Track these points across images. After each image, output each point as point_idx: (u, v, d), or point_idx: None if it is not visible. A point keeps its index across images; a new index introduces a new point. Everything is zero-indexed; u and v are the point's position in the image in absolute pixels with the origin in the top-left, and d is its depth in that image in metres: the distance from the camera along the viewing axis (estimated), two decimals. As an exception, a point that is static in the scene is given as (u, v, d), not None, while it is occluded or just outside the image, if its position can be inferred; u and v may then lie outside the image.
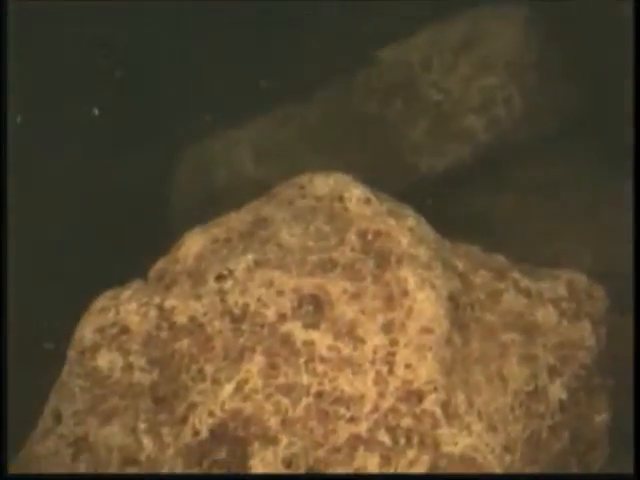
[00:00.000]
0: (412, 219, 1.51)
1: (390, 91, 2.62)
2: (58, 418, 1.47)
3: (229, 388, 1.34)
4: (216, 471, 1.31)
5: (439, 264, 1.46)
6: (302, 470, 1.30)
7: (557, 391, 1.48)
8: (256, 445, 1.31)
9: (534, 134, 2.58)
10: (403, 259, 1.44)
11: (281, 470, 1.30)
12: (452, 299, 1.44)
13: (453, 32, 2.61)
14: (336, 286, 1.40)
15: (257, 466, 1.31)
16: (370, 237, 1.46)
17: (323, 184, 1.54)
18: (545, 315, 1.52)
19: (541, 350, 1.48)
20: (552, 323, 1.51)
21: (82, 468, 1.43)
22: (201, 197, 2.72)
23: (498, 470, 1.35)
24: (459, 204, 2.66)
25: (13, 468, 1.50)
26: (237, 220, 1.52)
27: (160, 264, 1.55)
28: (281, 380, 1.34)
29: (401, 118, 2.59)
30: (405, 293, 1.40)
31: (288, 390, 1.34)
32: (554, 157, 2.66)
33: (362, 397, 1.34)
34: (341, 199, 1.51)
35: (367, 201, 1.51)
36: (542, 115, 2.57)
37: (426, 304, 1.40)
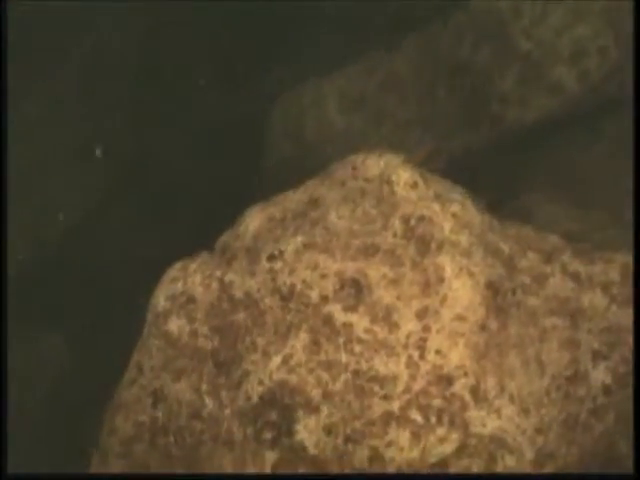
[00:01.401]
0: (457, 204, 1.53)
1: (480, 38, 2.55)
2: (140, 370, 1.68)
3: (277, 360, 1.48)
4: (268, 431, 1.47)
5: (480, 250, 1.49)
6: (341, 438, 1.43)
7: (601, 375, 1.49)
8: (300, 413, 1.45)
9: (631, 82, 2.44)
10: (443, 245, 1.48)
11: (322, 436, 1.43)
12: (491, 286, 1.47)
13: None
14: (376, 271, 1.47)
15: (302, 431, 1.45)
16: (413, 222, 1.50)
17: (374, 165, 1.59)
18: (593, 300, 1.51)
19: (585, 335, 1.49)
20: (600, 308, 1.50)
21: (159, 415, 1.63)
22: (292, 148, 2.82)
23: (529, 450, 1.41)
24: (548, 157, 2.60)
25: (107, 413, 1.70)
26: (293, 200, 1.61)
27: (224, 237, 1.68)
28: (322, 357, 1.45)
29: (490, 66, 2.53)
30: (441, 280, 1.45)
31: (328, 366, 1.45)
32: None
33: (395, 378, 1.42)
34: (389, 182, 1.56)
35: (414, 185, 1.54)
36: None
37: (461, 292, 1.44)
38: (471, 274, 1.46)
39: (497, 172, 2.69)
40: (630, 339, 1.51)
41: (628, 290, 1.52)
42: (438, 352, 1.44)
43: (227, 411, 1.50)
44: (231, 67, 2.79)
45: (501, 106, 2.54)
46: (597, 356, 1.50)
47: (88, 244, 2.67)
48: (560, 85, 2.44)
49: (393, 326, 1.45)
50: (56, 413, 2.51)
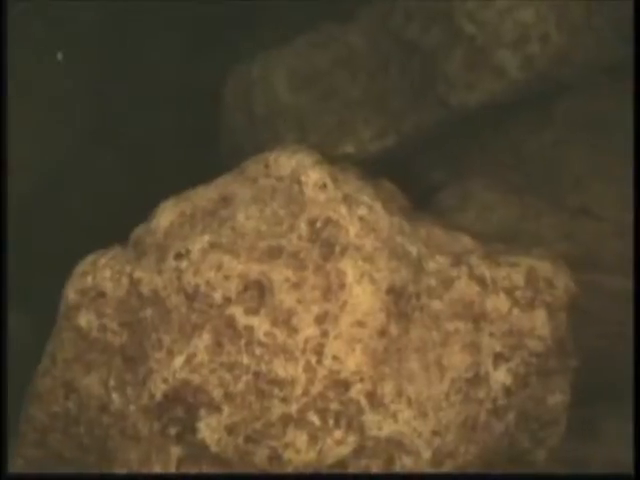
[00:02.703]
0: (365, 207, 1.53)
1: (429, 18, 2.51)
2: (54, 361, 1.68)
3: (180, 360, 1.49)
4: (173, 427, 1.49)
5: (385, 254, 1.49)
6: (241, 438, 1.46)
7: (501, 377, 1.52)
8: (203, 411, 1.47)
9: (580, 70, 2.43)
10: (347, 250, 1.48)
11: (224, 436, 1.46)
12: (393, 291, 1.48)
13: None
14: (279, 274, 1.47)
15: (204, 429, 1.47)
16: (319, 225, 1.50)
17: (287, 164, 1.57)
18: (496, 303, 1.53)
19: (487, 338, 1.52)
20: (503, 312, 1.52)
21: (71, 406, 1.64)
22: (243, 120, 2.79)
23: (426, 451, 1.45)
24: (495, 141, 2.59)
25: (24, 401, 1.71)
26: (203, 197, 1.60)
27: (138, 230, 1.66)
28: (224, 358, 1.47)
29: (437, 48, 2.50)
30: (342, 286, 1.46)
31: (230, 367, 1.47)
32: (605, 92, 2.52)
33: (293, 381, 1.44)
34: (299, 182, 1.54)
35: (323, 186, 1.53)
36: (591, 49, 2.40)
37: (361, 298, 1.45)
38: (373, 280, 1.47)
39: (444, 154, 2.69)
40: (530, 342, 1.54)
41: (531, 294, 1.55)
42: (335, 358, 1.46)
43: (132, 407, 1.52)
44: (191, 34, 2.74)
45: (447, 88, 2.52)
46: (498, 359, 1.53)
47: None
48: (503, 70, 2.43)
49: (292, 330, 1.47)
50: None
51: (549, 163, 2.54)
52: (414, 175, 2.73)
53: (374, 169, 2.60)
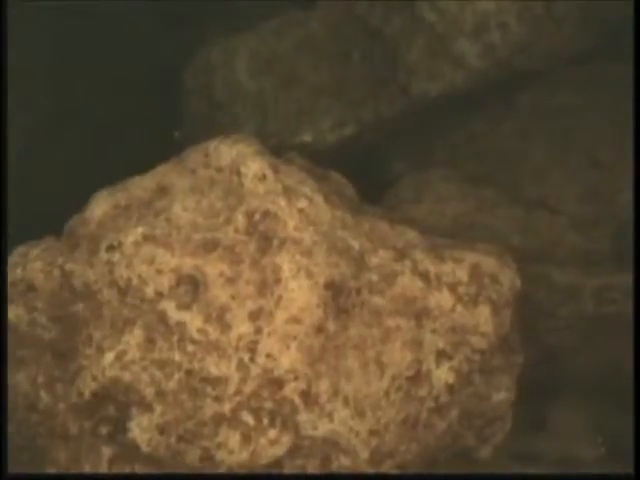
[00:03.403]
0: (305, 199, 1.48)
1: (391, 5, 2.46)
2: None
3: (110, 356, 1.43)
4: (103, 426, 1.44)
5: (324, 248, 1.45)
6: (173, 438, 1.41)
7: (444, 374, 1.49)
8: (134, 410, 1.42)
9: (541, 60, 2.40)
10: (285, 243, 1.43)
11: (155, 435, 1.41)
12: (332, 286, 1.44)
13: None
14: (214, 268, 1.42)
15: (135, 429, 1.42)
16: (257, 217, 1.45)
17: (227, 154, 1.52)
18: (439, 299, 1.50)
19: (430, 335, 1.48)
20: (446, 308, 1.49)
21: (4, 404, 1.58)
22: (203, 106, 2.72)
23: (364, 451, 1.42)
24: (457, 130, 2.56)
25: None
26: (140, 187, 1.54)
27: (72, 221, 1.60)
28: (156, 355, 1.42)
29: (399, 36, 2.45)
30: (278, 281, 1.41)
31: (162, 365, 1.42)
32: (567, 84, 2.49)
33: (226, 380, 1.40)
34: (238, 173, 1.49)
35: (262, 178, 1.48)
36: (552, 39, 2.37)
37: (297, 293, 1.41)
38: (310, 274, 1.43)
39: (404, 144, 2.65)
40: (473, 339, 1.51)
41: (474, 290, 1.52)
42: (269, 355, 1.41)
43: (62, 405, 1.46)
44: (153, 19, 2.66)
45: (408, 77, 2.47)
46: (441, 356, 1.49)
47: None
48: (463, 58, 2.39)
49: (225, 327, 1.42)
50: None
51: (509, 154, 2.51)
52: (374, 165, 2.69)
53: (332, 159, 2.57)
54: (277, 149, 2.15)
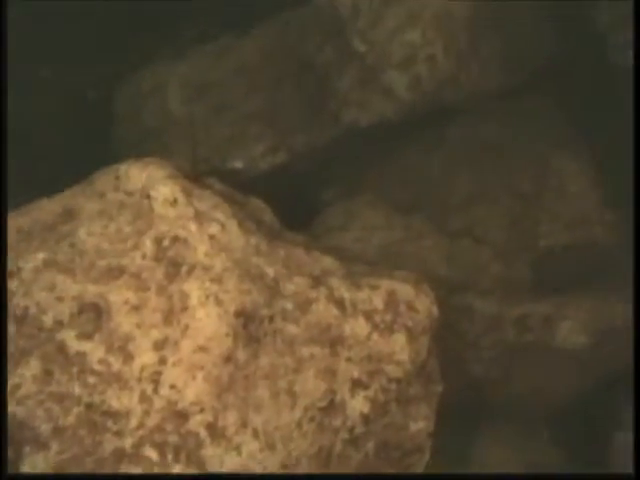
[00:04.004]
0: (217, 225, 1.44)
1: (322, 36, 2.48)
2: None
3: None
4: None
5: (235, 275, 1.41)
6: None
7: (359, 404, 1.47)
8: (27, 449, 1.33)
9: (467, 94, 2.45)
10: (194, 270, 1.39)
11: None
12: (242, 314, 1.40)
13: (386, -25, 2.43)
14: (118, 295, 1.37)
15: (27, 469, 1.34)
16: (166, 243, 1.40)
17: (138, 177, 1.47)
18: (354, 327, 1.48)
19: (344, 364, 1.46)
20: (361, 336, 1.47)
21: None
22: (133, 132, 2.67)
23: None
24: (388, 160, 2.58)
25: None
26: (44, 210, 1.47)
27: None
28: (54, 388, 1.34)
29: (330, 66, 2.47)
30: (185, 308, 1.37)
31: (60, 398, 1.34)
32: (493, 117, 2.55)
33: (128, 413, 1.34)
34: (149, 197, 1.45)
35: (174, 202, 1.44)
36: (477, 75, 2.43)
37: (205, 322, 1.37)
38: (219, 302, 1.39)
39: (336, 172, 2.65)
40: (389, 368, 1.49)
41: (390, 317, 1.50)
42: (173, 387, 1.36)
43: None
44: (89, 43, 2.61)
45: (339, 107, 2.49)
46: (356, 385, 1.47)
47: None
48: (392, 90, 2.42)
49: (128, 357, 1.36)
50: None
51: (438, 184, 2.54)
52: (305, 192, 2.69)
53: (263, 186, 2.54)
54: (205, 174, 2.12)
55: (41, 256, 1.41)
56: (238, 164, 2.54)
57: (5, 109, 2.04)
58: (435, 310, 1.57)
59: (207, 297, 1.38)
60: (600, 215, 2.46)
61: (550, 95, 2.56)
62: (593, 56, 2.46)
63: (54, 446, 1.33)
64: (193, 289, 1.38)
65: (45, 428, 1.32)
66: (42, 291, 1.38)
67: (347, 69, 2.45)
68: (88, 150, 2.64)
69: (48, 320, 1.37)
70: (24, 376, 1.35)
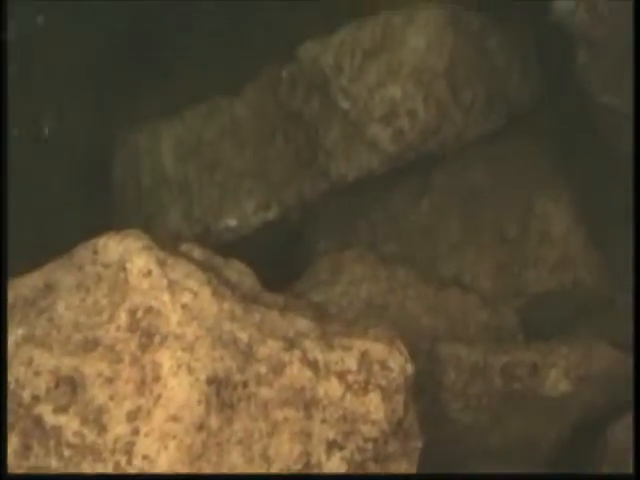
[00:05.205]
0: (189, 293, 1.49)
1: (309, 90, 2.56)
2: None
3: (-14, 466, 1.39)
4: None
5: (208, 343, 1.45)
6: None
7: (335, 465, 1.48)
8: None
9: (450, 142, 2.49)
10: (167, 340, 1.43)
11: None
12: (215, 381, 1.43)
13: (366, 34, 2.51)
14: (93, 368, 1.41)
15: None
16: (140, 314, 1.45)
17: (115, 249, 1.53)
18: (328, 389, 1.50)
19: (319, 425, 1.48)
20: (335, 397, 1.49)
21: None
22: (131, 189, 2.74)
23: None
24: (375, 210, 2.62)
25: None
26: (26, 285, 1.53)
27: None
28: (32, 462, 1.38)
29: (317, 120, 2.54)
30: (158, 378, 1.41)
31: (38, 472, 1.37)
32: (477, 162, 2.59)
33: (103, 485, 1.37)
34: (125, 269, 1.50)
35: (148, 273, 1.49)
36: (459, 123, 2.48)
37: (177, 391, 1.40)
38: (191, 370, 1.42)
39: (326, 224, 2.70)
40: (364, 428, 1.51)
41: (364, 377, 1.52)
42: (146, 457, 1.39)
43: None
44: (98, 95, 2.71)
45: (327, 160, 2.55)
46: (332, 446, 1.48)
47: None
48: (376, 143, 2.47)
49: (102, 429, 1.39)
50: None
51: (426, 232, 2.58)
52: (297, 245, 2.73)
53: (257, 240, 2.59)
54: (186, 239, 2.17)
55: (20, 332, 1.45)
56: (231, 222, 2.59)
57: (5, 109, 2.06)
58: (410, 367, 1.59)
59: (179, 366, 1.42)
60: (585, 257, 2.48)
61: (531, 137, 2.61)
62: (573, 98, 2.51)
63: (33, 520, 1.35)
64: (165, 359, 1.42)
65: (24, 502, 1.35)
66: (21, 366, 1.42)
67: (333, 123, 2.52)
68: (89, 209, 2.72)
69: (26, 396, 1.41)
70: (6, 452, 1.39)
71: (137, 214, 2.69)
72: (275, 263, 2.55)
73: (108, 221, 2.64)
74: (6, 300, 1.54)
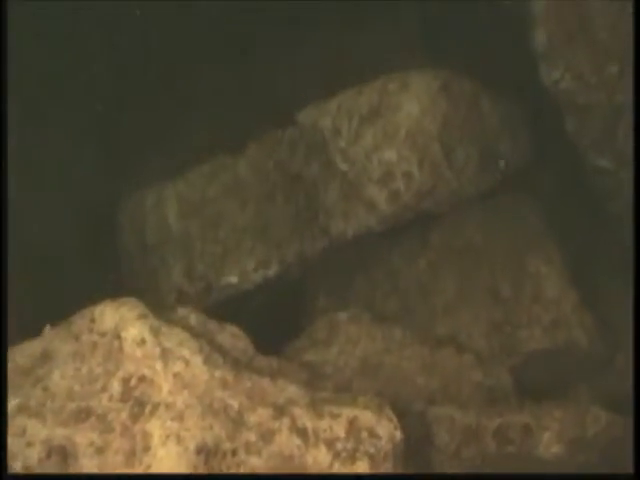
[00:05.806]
0: (181, 362, 1.52)
1: (309, 152, 2.63)
2: None
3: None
4: None
5: (197, 412, 1.48)
6: None
7: (324, 536, 1.48)
8: None
9: (445, 201, 2.55)
10: (158, 409, 1.46)
11: None
12: (203, 450, 1.45)
13: (363, 100, 2.59)
14: (84, 438, 1.44)
15: None
16: (133, 383, 1.49)
17: (110, 318, 1.58)
18: (317, 456, 1.52)
19: (307, 494, 1.49)
20: (324, 465, 1.50)
21: None
22: (136, 247, 2.80)
23: None
24: (373, 268, 2.66)
25: None
26: (24, 354, 1.57)
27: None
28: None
29: (317, 180, 2.60)
30: (147, 448, 1.43)
31: None
32: (472, 221, 2.64)
33: None
34: (119, 338, 1.54)
35: (142, 342, 1.53)
36: (456, 180, 2.53)
37: (166, 460, 1.42)
38: (180, 440, 1.45)
39: (326, 281, 2.74)
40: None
41: (352, 445, 1.54)
42: (134, 528, 1.40)
43: None
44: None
45: (326, 219, 2.60)
46: (320, 516, 1.49)
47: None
48: (374, 203, 2.53)
49: (92, 499, 1.42)
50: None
51: (424, 290, 2.61)
52: (297, 302, 2.77)
53: (258, 297, 2.62)
54: (182, 304, 2.20)
55: (16, 402, 1.49)
56: (233, 279, 2.64)
57: (5, 109, 2.05)
58: (398, 434, 1.60)
59: (168, 436, 1.44)
60: (578, 317, 2.50)
61: (525, 197, 2.66)
62: (566, 159, 2.57)
63: None
64: (155, 428, 1.45)
65: None
66: (14, 437, 1.45)
67: (332, 184, 2.58)
68: (96, 266, 2.76)
69: (19, 467, 1.44)
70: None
71: (143, 269, 2.75)
72: (275, 318, 2.58)
73: (115, 277, 2.68)
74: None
